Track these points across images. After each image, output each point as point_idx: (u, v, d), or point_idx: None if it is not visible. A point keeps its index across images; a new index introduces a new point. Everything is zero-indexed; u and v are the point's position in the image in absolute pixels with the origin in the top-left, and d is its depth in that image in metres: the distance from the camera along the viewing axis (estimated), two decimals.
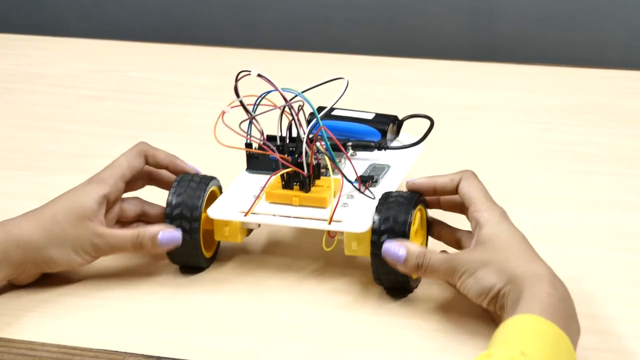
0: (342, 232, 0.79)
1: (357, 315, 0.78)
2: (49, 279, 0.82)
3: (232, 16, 1.59)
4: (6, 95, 1.26)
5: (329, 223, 0.78)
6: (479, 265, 0.72)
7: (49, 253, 0.78)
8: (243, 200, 0.82)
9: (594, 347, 0.73)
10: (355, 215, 0.79)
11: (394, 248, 0.74)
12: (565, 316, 0.66)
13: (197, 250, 0.81)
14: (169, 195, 0.81)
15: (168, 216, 0.80)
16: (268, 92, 0.80)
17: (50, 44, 1.44)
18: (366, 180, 0.83)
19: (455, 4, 1.49)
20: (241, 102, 0.80)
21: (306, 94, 0.79)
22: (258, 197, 0.81)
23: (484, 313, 0.75)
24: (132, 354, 0.74)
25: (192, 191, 0.81)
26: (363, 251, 0.78)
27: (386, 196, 0.79)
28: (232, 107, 0.80)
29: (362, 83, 1.26)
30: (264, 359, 0.73)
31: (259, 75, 0.78)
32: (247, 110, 0.81)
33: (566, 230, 0.90)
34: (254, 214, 0.80)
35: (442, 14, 1.50)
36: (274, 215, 0.80)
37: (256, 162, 0.86)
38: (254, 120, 0.81)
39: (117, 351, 0.74)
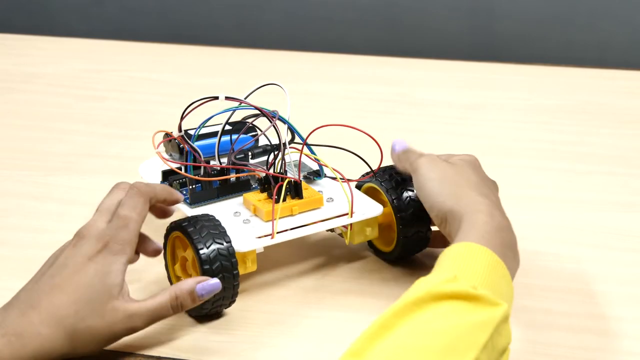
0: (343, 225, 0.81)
1: (356, 315, 0.78)
2: None
3: (232, 16, 1.59)
4: (6, 95, 1.25)
5: (351, 216, 0.80)
6: (439, 176, 0.75)
7: (75, 353, 0.70)
8: (244, 228, 0.79)
9: (594, 347, 0.74)
10: (356, 202, 0.81)
11: (403, 140, 0.82)
12: (501, 243, 0.69)
13: (235, 296, 0.76)
14: (197, 249, 0.74)
15: (207, 272, 0.73)
16: (208, 119, 0.81)
17: (50, 44, 1.44)
18: (314, 173, 0.86)
19: (455, 4, 1.49)
20: (182, 136, 0.81)
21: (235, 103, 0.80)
22: (274, 215, 0.78)
23: None
24: (132, 354, 0.74)
25: (217, 236, 0.75)
26: (374, 234, 0.83)
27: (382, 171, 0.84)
28: (159, 143, 0.83)
29: (362, 83, 1.26)
30: (263, 358, 0.74)
31: (227, 97, 0.79)
32: (187, 143, 0.81)
33: (566, 230, 0.90)
34: (278, 232, 0.78)
35: (442, 14, 1.50)
36: (291, 229, 0.79)
37: (200, 194, 0.82)
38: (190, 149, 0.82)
39: (117, 351, 0.74)
